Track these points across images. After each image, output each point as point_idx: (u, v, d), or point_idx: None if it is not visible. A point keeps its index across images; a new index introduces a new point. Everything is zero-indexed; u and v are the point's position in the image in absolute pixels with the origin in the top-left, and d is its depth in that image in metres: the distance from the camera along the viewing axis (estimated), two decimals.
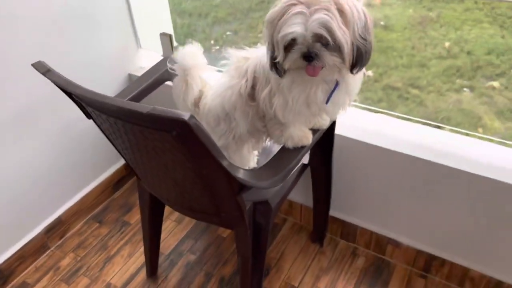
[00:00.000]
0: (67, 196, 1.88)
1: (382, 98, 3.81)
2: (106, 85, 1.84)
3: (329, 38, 0.88)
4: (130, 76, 1.92)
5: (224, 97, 1.15)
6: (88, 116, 1.16)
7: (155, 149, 0.99)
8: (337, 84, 1.02)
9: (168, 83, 1.50)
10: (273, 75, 1.03)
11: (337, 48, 0.90)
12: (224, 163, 0.95)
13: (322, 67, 0.93)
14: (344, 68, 0.96)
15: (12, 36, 1.48)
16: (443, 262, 1.56)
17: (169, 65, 1.30)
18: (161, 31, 1.83)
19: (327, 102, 1.04)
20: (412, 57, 4.00)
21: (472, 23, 4.14)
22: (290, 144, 1.15)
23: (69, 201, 1.88)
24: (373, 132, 1.47)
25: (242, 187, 1.05)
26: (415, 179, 1.45)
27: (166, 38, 1.75)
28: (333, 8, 0.87)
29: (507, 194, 1.29)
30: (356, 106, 1.65)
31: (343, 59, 0.91)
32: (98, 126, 1.15)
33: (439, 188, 1.41)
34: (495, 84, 3.67)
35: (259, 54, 1.10)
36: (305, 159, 1.44)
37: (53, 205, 1.84)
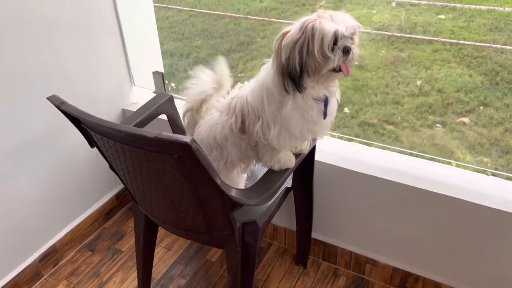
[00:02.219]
0: (61, 225, 1.95)
1: (358, 134, 3.99)
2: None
3: (356, 33, 1.07)
4: (123, 111, 2.05)
5: (215, 130, 1.28)
6: (92, 144, 1.27)
7: (156, 171, 1.11)
8: (326, 101, 1.17)
9: (161, 116, 1.63)
10: (268, 110, 1.15)
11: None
12: (219, 182, 1.07)
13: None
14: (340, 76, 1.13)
15: (16, 74, 1.61)
16: (417, 278, 1.68)
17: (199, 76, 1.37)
18: (153, 70, 1.98)
19: (325, 117, 1.19)
20: (386, 94, 4.24)
21: (441, 63, 4.43)
22: (276, 167, 1.28)
23: (63, 230, 1.96)
24: (350, 159, 1.62)
25: (234, 205, 1.17)
26: (390, 201, 1.58)
27: (158, 76, 1.91)
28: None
29: (474, 214, 1.44)
30: (333, 135, 1.81)
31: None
32: (102, 153, 1.27)
33: (412, 209, 1.55)
34: (465, 120, 3.90)
35: (243, 93, 1.23)
36: (289, 183, 1.57)
37: (47, 234, 1.91)
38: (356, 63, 4.77)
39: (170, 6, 5.59)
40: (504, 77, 4.15)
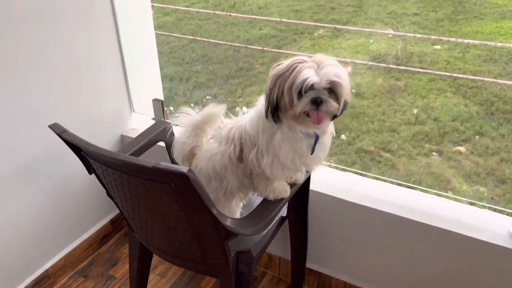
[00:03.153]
0: (55, 251, 1.94)
1: (355, 161, 4.01)
2: (100, 143, 1.96)
3: (338, 87, 1.06)
4: (122, 136, 2.07)
5: (214, 160, 1.28)
6: (90, 171, 1.29)
7: (153, 200, 1.12)
8: (317, 138, 1.18)
9: (160, 143, 1.65)
10: (262, 138, 1.18)
11: (335, 98, 1.09)
12: (215, 212, 1.08)
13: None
14: (328, 120, 1.14)
15: (17, 99, 1.63)
16: None
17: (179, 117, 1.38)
18: (153, 97, 2.01)
19: (312, 153, 1.19)
20: (383, 122, 4.28)
21: (437, 92, 4.49)
22: (271, 197, 1.29)
23: (56, 256, 1.94)
24: (344, 189, 1.63)
25: (228, 234, 1.18)
26: (384, 232, 1.59)
27: (158, 104, 1.93)
28: (339, 66, 1.07)
29: (467, 246, 1.45)
30: (329, 165, 1.82)
31: (338, 107, 1.10)
32: (100, 180, 1.28)
33: (405, 240, 1.56)
34: (462, 149, 3.93)
35: (242, 122, 1.25)
36: (284, 212, 1.58)
37: (40, 259, 1.89)
38: (353, 90, 4.83)
39: (172, 34, 5.69)
40: (499, 107, 4.20)
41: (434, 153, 4.04)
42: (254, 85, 4.93)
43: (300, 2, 5.95)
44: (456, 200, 1.68)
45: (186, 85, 5.30)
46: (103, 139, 2.01)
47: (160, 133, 1.62)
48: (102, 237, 2.15)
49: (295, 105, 1.08)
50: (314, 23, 5.45)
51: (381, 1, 5.83)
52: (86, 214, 2.05)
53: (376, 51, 5.14)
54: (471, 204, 1.61)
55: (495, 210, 1.57)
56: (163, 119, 1.97)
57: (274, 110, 1.11)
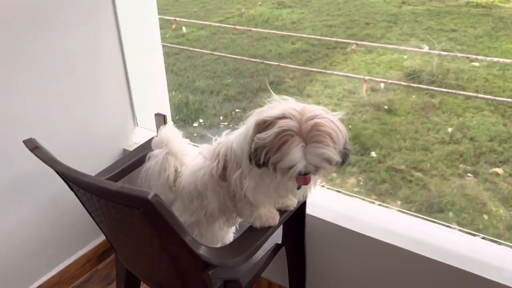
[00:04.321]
0: (49, 266, 1.84)
1: (385, 179, 3.87)
2: (102, 157, 1.89)
3: (327, 166, 0.98)
4: (124, 151, 2.05)
5: (197, 176, 1.20)
6: (71, 188, 1.27)
7: (126, 224, 1.03)
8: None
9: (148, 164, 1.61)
10: (245, 161, 1.08)
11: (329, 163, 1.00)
12: (187, 239, 0.97)
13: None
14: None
15: (15, 113, 1.59)
16: None
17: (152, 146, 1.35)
18: (158, 111, 2.01)
19: (299, 188, 1.10)
20: (415, 140, 4.13)
21: (474, 111, 4.30)
22: (257, 224, 1.18)
23: (51, 271, 1.83)
24: (346, 216, 1.50)
25: (207, 264, 1.06)
26: (388, 266, 1.47)
27: (160, 118, 1.92)
28: (326, 139, 0.97)
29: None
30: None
31: (330, 168, 1.01)
32: (79, 198, 1.25)
33: (408, 275, 1.44)
34: (499, 170, 3.72)
35: (230, 138, 1.16)
36: (279, 239, 1.50)
37: (34, 274, 1.80)
38: (386, 106, 4.69)
39: (184, 47, 5.76)
40: None
41: (469, 174, 3.85)
42: None
43: (333, 17, 5.90)
44: (470, 234, 1.54)
45: (216, 98, 5.34)
46: (104, 153, 1.98)
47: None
48: (101, 253, 2.09)
49: (281, 174, 1.00)
50: (341, 40, 5.37)
51: (418, 17, 5.69)
52: (83, 228, 1.92)
53: (411, 67, 5.01)
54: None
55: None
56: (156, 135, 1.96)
57: (259, 162, 1.02)
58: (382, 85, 4.88)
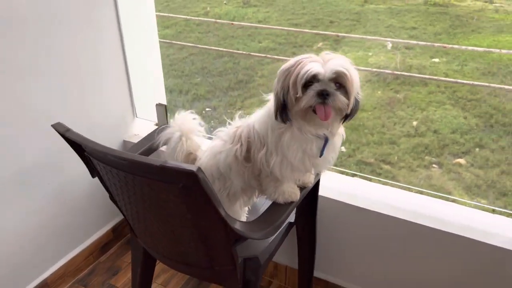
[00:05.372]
0: (55, 259, 1.89)
1: (356, 173, 3.98)
2: None
3: (345, 79, 1.02)
4: (124, 142, 2.04)
5: (218, 159, 1.24)
6: (94, 174, 1.25)
7: (159, 202, 1.07)
8: (326, 140, 1.14)
9: (163, 148, 1.62)
10: (271, 137, 1.14)
11: (344, 93, 1.04)
12: (223, 214, 1.02)
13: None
14: (338, 120, 1.10)
15: (19, 103, 1.61)
16: None
17: (164, 130, 1.39)
18: (156, 102, 1.99)
19: (321, 155, 1.15)
20: (382, 134, 4.27)
21: (436, 105, 4.50)
22: (281, 200, 1.25)
23: (56, 264, 1.89)
24: (353, 194, 1.60)
25: (237, 239, 1.13)
26: (394, 239, 1.55)
27: (161, 108, 1.90)
28: (345, 73, 1.02)
29: (479, 252, 1.41)
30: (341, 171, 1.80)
31: (348, 103, 1.04)
32: (103, 182, 1.24)
33: (416, 247, 1.52)
34: (462, 161, 3.91)
35: (250, 121, 1.21)
36: (292, 218, 1.55)
37: (39, 267, 1.84)
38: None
39: (178, 42, 5.70)
40: (498, 119, 4.21)
41: (434, 165, 4.02)
42: (254, 97, 4.93)
43: (299, 16, 5.99)
44: (469, 206, 1.65)
45: (186, 97, 5.29)
46: (105, 144, 1.98)
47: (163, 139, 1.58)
48: (103, 246, 2.10)
49: (300, 98, 1.03)
50: (324, 32, 5.47)
51: (380, 15, 5.88)
52: (86, 222, 2.01)
53: (375, 63, 5.16)
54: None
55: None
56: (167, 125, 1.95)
57: (282, 109, 1.07)
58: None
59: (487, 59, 4.99)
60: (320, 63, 1.02)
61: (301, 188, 1.31)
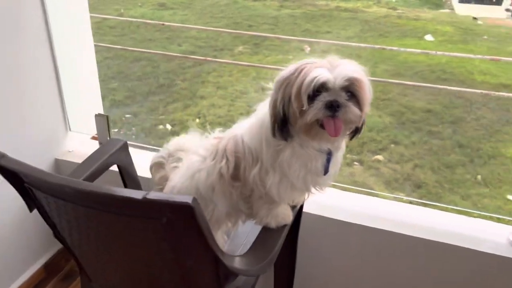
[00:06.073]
0: None
1: None
2: None
3: (358, 86, 0.88)
4: (57, 161, 1.81)
5: (198, 179, 1.06)
6: (32, 207, 1.00)
7: (132, 240, 0.91)
8: (330, 155, 1.00)
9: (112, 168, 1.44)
10: (266, 153, 0.99)
11: (356, 103, 0.90)
12: (218, 252, 0.86)
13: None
14: (345, 133, 0.96)
15: None
16: None
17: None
18: (93, 113, 1.82)
19: (326, 172, 1.01)
20: None
21: None
22: (273, 224, 1.09)
23: None
24: (330, 206, 1.46)
25: (227, 277, 0.96)
26: (377, 251, 1.46)
27: (102, 119, 1.72)
28: (357, 65, 0.90)
29: (468, 258, 1.35)
30: None
31: (360, 115, 0.90)
32: (48, 218, 1.03)
33: (401, 257, 1.45)
34: (380, 157, 4.15)
35: (234, 133, 1.04)
36: None
37: None
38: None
39: (117, 46, 5.34)
40: (409, 117, 4.54)
41: (355, 163, 4.20)
42: (177, 102, 4.81)
43: (217, 19, 5.96)
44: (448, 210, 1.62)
45: (103, 104, 4.97)
46: (32, 165, 1.73)
47: (115, 154, 1.40)
48: (34, 287, 1.82)
49: (305, 112, 0.88)
50: (266, 35, 5.48)
51: (296, 20, 6.04)
52: (13, 259, 1.70)
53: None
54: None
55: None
56: (109, 137, 1.77)
57: (282, 124, 0.92)
58: (270, 84, 5.08)
59: (395, 61, 5.35)
60: (327, 68, 0.87)
61: (292, 207, 1.15)
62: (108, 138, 1.78)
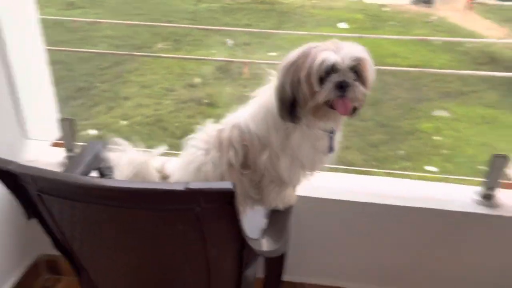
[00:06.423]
0: None
1: None
2: None
3: (364, 66, 0.93)
4: None
5: (206, 172, 1.07)
6: (31, 215, 0.94)
7: (157, 235, 0.88)
8: (332, 134, 1.05)
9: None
10: (276, 138, 1.02)
11: (361, 82, 0.94)
12: (247, 237, 0.88)
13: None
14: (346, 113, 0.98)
15: None
16: None
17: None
18: (50, 117, 1.66)
19: (331, 150, 1.06)
20: None
21: None
22: (281, 206, 1.14)
23: None
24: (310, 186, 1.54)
25: (248, 262, 0.97)
26: (355, 223, 1.51)
27: (68, 124, 1.55)
28: (360, 46, 0.94)
29: (441, 219, 1.46)
30: None
31: (365, 94, 0.95)
32: (55, 228, 0.93)
33: (378, 226, 1.55)
34: None
35: (236, 123, 1.06)
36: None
37: None
38: (206, 100, 4.84)
39: (63, 49, 4.88)
40: None
41: None
42: (99, 105, 4.57)
43: (133, 16, 5.73)
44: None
45: None
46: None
47: (100, 156, 1.24)
48: None
49: (317, 93, 0.91)
50: (207, 27, 5.32)
51: (214, 14, 6.01)
52: None
53: (221, 61, 5.26)
54: None
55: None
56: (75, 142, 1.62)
57: (291, 107, 0.95)
58: (198, 80, 5.02)
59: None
60: (333, 51, 0.91)
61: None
62: (74, 143, 1.63)
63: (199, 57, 4.97)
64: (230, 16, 6.02)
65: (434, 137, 4.44)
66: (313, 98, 0.93)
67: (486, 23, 6.15)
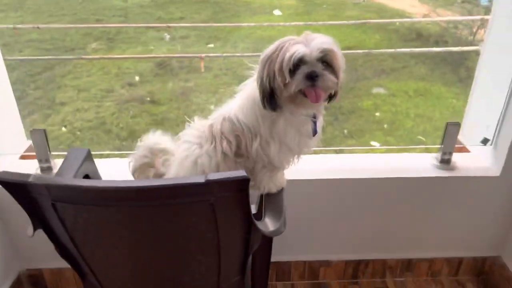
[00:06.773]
0: None
1: None
2: None
3: (331, 56, 1.00)
4: None
5: (202, 165, 1.14)
6: (38, 226, 0.93)
7: (171, 228, 0.92)
8: (315, 118, 1.14)
9: None
10: (263, 126, 1.09)
11: (331, 71, 1.02)
12: (255, 221, 0.94)
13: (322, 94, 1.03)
14: (325, 99, 1.08)
15: None
16: (366, 263, 1.76)
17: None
18: (12, 129, 1.54)
19: (315, 134, 1.14)
20: (188, 123, 4.34)
21: (224, 86, 4.81)
22: (274, 189, 1.20)
23: None
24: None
25: (254, 245, 1.04)
26: (330, 199, 1.63)
27: (39, 134, 1.45)
28: (328, 38, 1.02)
29: (405, 186, 1.61)
30: None
31: (336, 82, 1.03)
32: (56, 235, 0.93)
33: (349, 200, 1.64)
34: None
35: (225, 115, 1.13)
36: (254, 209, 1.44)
37: None
38: (148, 98, 4.70)
39: (21, 58, 4.47)
40: None
41: None
42: (34, 114, 4.32)
43: (58, 17, 5.42)
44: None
45: None
46: None
47: (85, 163, 1.26)
48: None
49: (288, 84, 1.00)
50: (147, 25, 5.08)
51: (146, 9, 5.85)
52: None
53: (160, 56, 5.14)
54: None
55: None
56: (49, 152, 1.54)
57: (270, 97, 1.03)
58: (137, 78, 4.88)
59: (252, 39, 5.55)
60: (303, 43, 0.99)
61: None
62: (49, 153, 1.54)
63: (140, 56, 4.81)
64: (163, 10, 5.88)
65: (376, 114, 4.61)
66: (286, 88, 1.01)
67: (410, 1, 6.46)
